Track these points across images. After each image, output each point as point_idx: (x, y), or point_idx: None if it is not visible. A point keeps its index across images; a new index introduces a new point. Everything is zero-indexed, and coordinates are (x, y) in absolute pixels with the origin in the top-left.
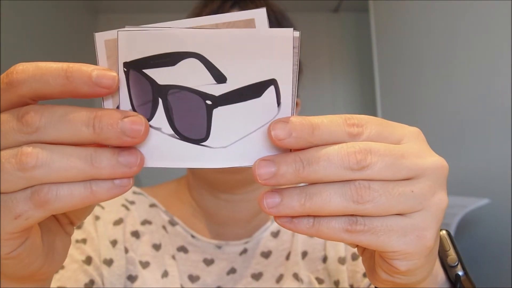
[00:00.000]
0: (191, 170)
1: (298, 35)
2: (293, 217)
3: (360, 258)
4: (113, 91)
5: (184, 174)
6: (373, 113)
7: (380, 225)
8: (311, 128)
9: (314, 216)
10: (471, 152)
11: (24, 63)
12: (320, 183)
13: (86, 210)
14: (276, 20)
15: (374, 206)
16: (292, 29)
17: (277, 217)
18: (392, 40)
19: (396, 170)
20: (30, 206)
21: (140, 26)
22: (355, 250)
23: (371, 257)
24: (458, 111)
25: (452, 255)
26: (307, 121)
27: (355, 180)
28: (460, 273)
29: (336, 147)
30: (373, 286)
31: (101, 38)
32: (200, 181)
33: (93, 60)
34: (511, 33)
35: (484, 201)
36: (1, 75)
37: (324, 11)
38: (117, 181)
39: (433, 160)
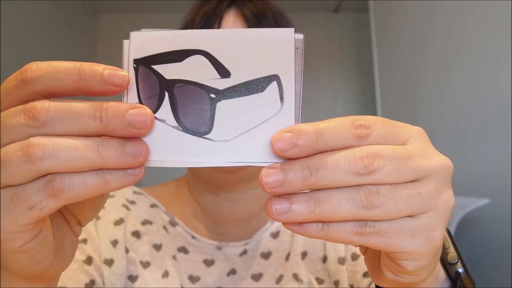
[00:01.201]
0: (191, 169)
1: (302, 37)
2: (301, 222)
3: (360, 258)
4: (124, 89)
5: (184, 173)
6: (373, 113)
7: (390, 227)
8: (316, 135)
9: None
10: (471, 152)
11: (37, 62)
12: (328, 188)
13: (94, 210)
14: (274, 20)
15: (383, 210)
16: (293, 28)
17: (285, 223)
18: (392, 40)
19: (403, 172)
20: (44, 196)
21: (151, 30)
22: (355, 250)
23: (374, 257)
24: (458, 111)
25: (452, 252)
26: (311, 128)
27: (363, 185)
28: (460, 270)
29: (343, 152)
30: (373, 286)
31: (128, 45)
32: (200, 180)
33: (92, 59)
34: (511, 33)
35: (484, 201)
36: (16, 73)
37: (324, 11)
38: (129, 170)
39: (438, 160)
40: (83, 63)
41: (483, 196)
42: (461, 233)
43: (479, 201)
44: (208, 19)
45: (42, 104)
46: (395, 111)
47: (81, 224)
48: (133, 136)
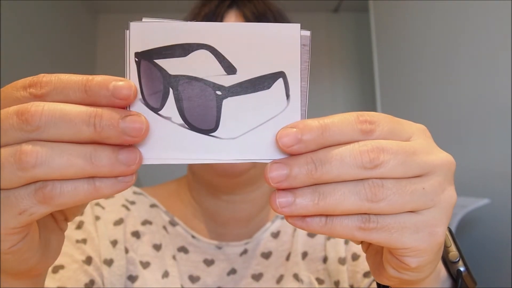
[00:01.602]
0: (191, 171)
1: (308, 34)
2: (304, 216)
3: (360, 259)
4: (132, 101)
5: (184, 174)
6: None
7: (393, 222)
8: (321, 130)
9: (326, 215)
10: (471, 152)
11: (47, 75)
12: (333, 182)
13: (82, 206)
14: (274, 20)
15: (388, 204)
16: (299, 24)
17: (288, 217)
18: (392, 40)
19: (408, 167)
20: (34, 202)
21: (153, 19)
22: (355, 250)
23: (376, 254)
24: (458, 111)
25: (453, 251)
26: (316, 123)
27: (368, 178)
28: (462, 269)
29: (348, 146)
30: (373, 287)
31: (128, 37)
32: (200, 182)
33: (92, 59)
34: (511, 33)
35: (484, 201)
36: (24, 83)
37: (324, 11)
38: (120, 177)
39: (442, 157)
40: (90, 78)
41: (483, 196)
42: (461, 233)
43: (479, 201)
44: (208, 19)
45: (36, 108)
46: (395, 111)
47: (67, 220)
48: (126, 144)
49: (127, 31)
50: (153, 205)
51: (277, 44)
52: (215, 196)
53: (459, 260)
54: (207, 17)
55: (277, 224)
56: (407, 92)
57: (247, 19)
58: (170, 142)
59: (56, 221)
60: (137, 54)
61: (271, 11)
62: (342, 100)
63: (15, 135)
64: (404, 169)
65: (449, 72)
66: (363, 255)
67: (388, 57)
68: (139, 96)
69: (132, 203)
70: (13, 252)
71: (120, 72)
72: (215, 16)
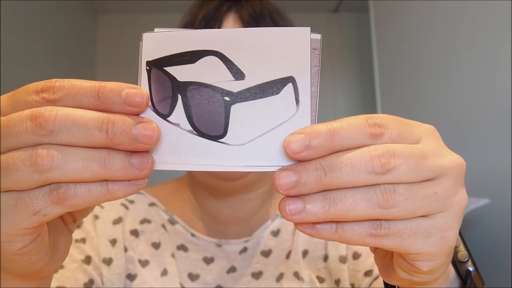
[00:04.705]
0: (190, 172)
1: (319, 38)
2: (315, 223)
3: (361, 257)
4: (144, 108)
5: (184, 173)
6: (374, 113)
7: (405, 228)
8: (329, 135)
9: (337, 221)
10: (471, 152)
11: (59, 80)
12: (343, 188)
13: (90, 207)
14: (272, 20)
15: (400, 210)
16: (309, 28)
17: (298, 224)
18: (392, 40)
19: (419, 171)
20: (48, 202)
21: (164, 28)
22: (356, 249)
23: (385, 256)
24: (458, 111)
25: (462, 251)
26: (324, 128)
27: (379, 184)
28: (471, 268)
29: (358, 151)
30: (374, 286)
31: (141, 47)
32: (200, 183)
33: (92, 59)
34: (511, 33)
35: (484, 201)
36: (36, 87)
37: (324, 11)
38: (133, 180)
39: (452, 159)
40: (103, 84)
41: (483, 196)
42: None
43: (479, 201)
44: (207, 22)
45: (50, 112)
46: (395, 111)
47: (75, 221)
48: (138, 150)
49: (141, 42)
50: (152, 204)
51: (287, 48)
52: (215, 196)
53: (468, 259)
54: (205, 20)
55: (277, 222)
56: (407, 92)
57: (244, 21)
58: (179, 148)
59: (65, 222)
60: (148, 63)
61: (268, 11)
62: (343, 100)
63: (28, 139)
64: (416, 173)
65: (449, 72)
66: (364, 254)
67: (388, 57)
68: (149, 103)
69: (131, 202)
70: (24, 253)
71: (119, 72)
72: (214, 19)
